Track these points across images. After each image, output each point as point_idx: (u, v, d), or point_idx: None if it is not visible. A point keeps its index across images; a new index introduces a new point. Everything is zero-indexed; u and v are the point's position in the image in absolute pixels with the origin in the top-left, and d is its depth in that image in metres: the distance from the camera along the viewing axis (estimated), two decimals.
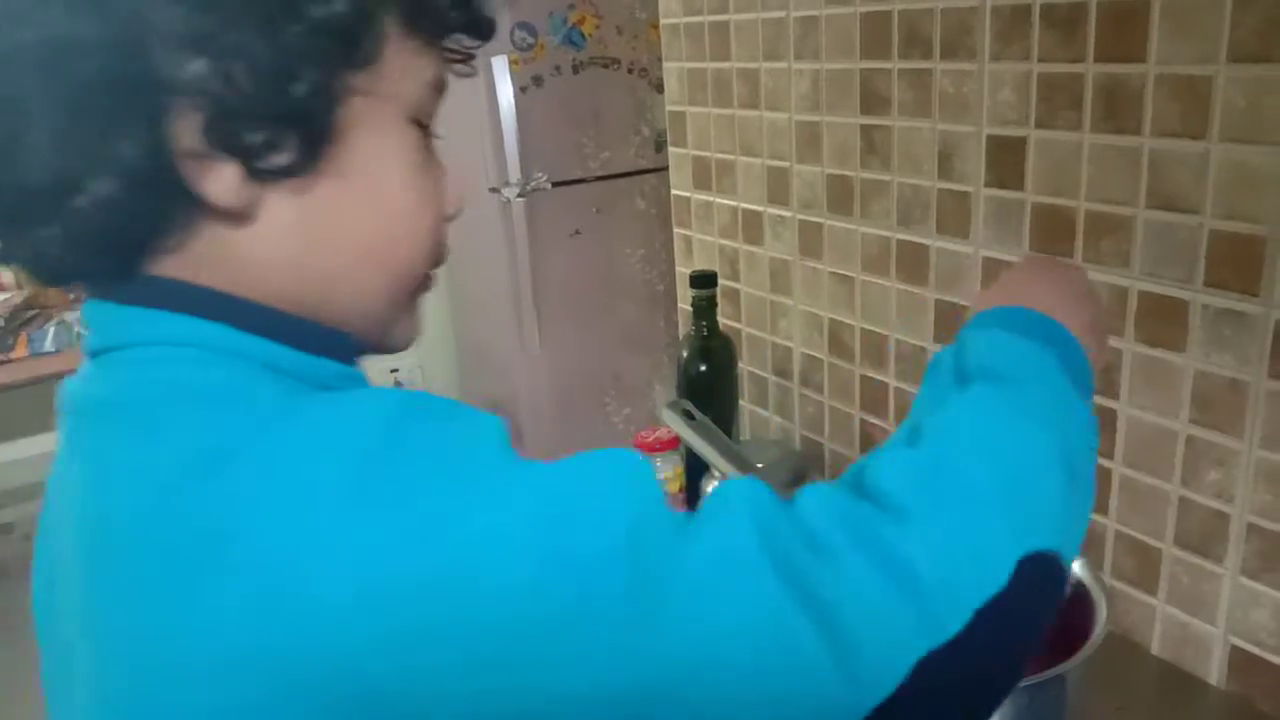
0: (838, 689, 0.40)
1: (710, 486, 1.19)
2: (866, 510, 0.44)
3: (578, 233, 2.98)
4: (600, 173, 2.96)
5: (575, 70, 2.87)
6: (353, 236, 0.48)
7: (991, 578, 0.43)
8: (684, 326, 1.47)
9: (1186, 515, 0.89)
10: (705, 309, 1.25)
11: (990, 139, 0.99)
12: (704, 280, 1.25)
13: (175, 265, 0.46)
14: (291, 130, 0.45)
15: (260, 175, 0.45)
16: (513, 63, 2.75)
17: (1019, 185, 0.97)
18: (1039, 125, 0.94)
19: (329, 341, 0.49)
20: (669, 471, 1.26)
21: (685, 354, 1.27)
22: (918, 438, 0.49)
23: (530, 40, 2.79)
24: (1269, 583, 0.84)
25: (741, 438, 1.39)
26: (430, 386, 3.65)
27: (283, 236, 0.47)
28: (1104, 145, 0.89)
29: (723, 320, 1.34)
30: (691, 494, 1.26)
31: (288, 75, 0.43)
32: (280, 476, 0.39)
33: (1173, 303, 0.86)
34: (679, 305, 1.57)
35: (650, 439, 1.26)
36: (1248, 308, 0.81)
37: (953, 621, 0.42)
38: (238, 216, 0.45)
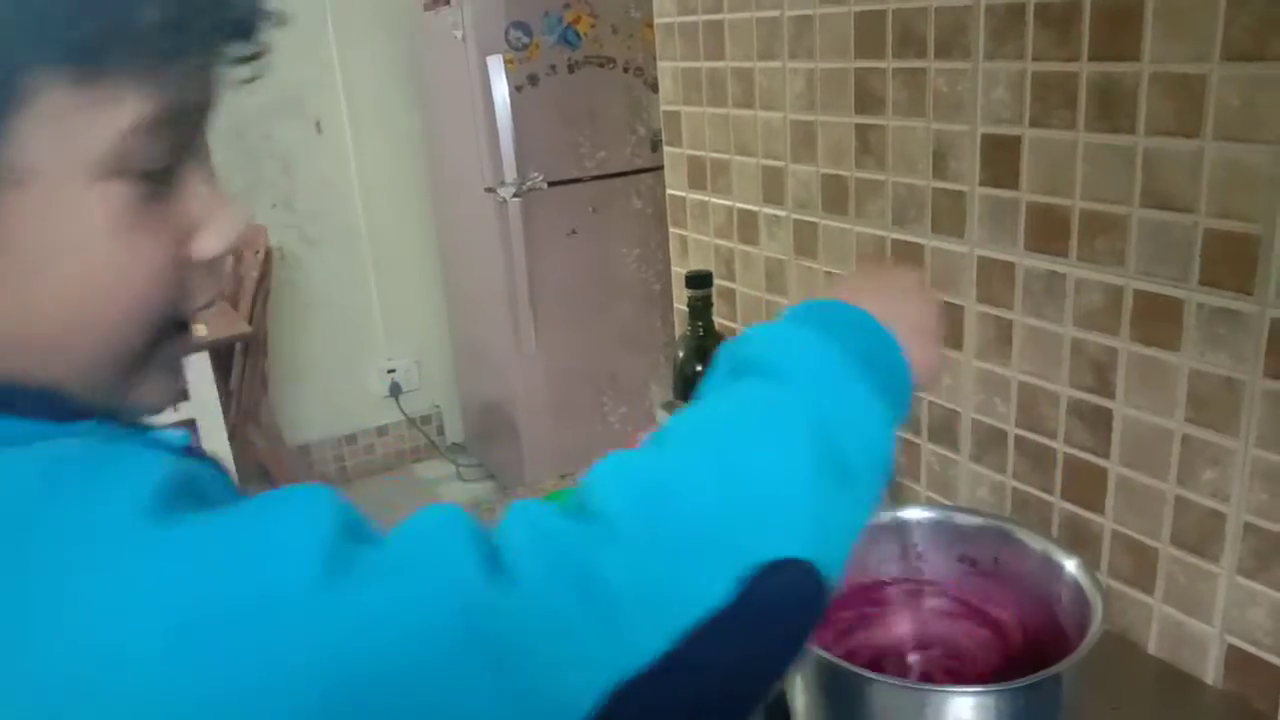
0: (517, 714, 0.37)
1: None
2: (562, 524, 0.41)
3: (574, 232, 2.98)
4: (596, 172, 2.96)
5: (571, 70, 2.87)
6: (19, 328, 0.41)
7: (704, 595, 0.40)
8: (680, 327, 1.47)
9: (1183, 514, 0.89)
10: (701, 309, 1.25)
11: (985, 138, 0.99)
12: (699, 280, 1.24)
13: None
14: None
15: None
16: (508, 62, 2.75)
17: (1014, 184, 0.97)
18: (1033, 124, 0.94)
19: (30, 403, 0.42)
20: None
21: (681, 354, 1.27)
22: (659, 440, 0.47)
23: (525, 40, 2.79)
24: (1265, 582, 0.84)
25: None
26: (427, 387, 3.65)
27: None
28: (1098, 144, 0.89)
29: (719, 320, 1.34)
30: None
31: None
32: None
33: (1168, 301, 0.86)
34: (675, 305, 1.57)
35: (646, 440, 1.26)
36: (1243, 306, 0.81)
37: (650, 642, 0.39)
38: None
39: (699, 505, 0.43)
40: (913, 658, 0.83)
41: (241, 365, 2.78)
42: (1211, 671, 0.90)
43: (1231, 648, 0.88)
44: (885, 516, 0.84)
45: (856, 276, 0.64)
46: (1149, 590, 0.93)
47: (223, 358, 2.74)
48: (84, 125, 0.40)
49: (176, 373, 0.49)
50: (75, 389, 0.44)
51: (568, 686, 0.37)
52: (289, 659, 0.35)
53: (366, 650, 0.35)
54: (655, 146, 2.99)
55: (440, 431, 3.75)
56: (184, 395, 2.52)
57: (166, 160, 0.43)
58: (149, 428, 0.49)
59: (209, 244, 0.46)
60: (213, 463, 0.52)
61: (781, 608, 0.43)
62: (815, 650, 0.69)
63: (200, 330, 2.53)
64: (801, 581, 0.44)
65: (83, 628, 0.34)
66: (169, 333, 0.46)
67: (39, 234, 0.40)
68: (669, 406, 1.00)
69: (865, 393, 0.51)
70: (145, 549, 0.35)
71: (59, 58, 0.39)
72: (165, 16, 0.40)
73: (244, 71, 0.46)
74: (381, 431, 3.63)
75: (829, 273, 1.23)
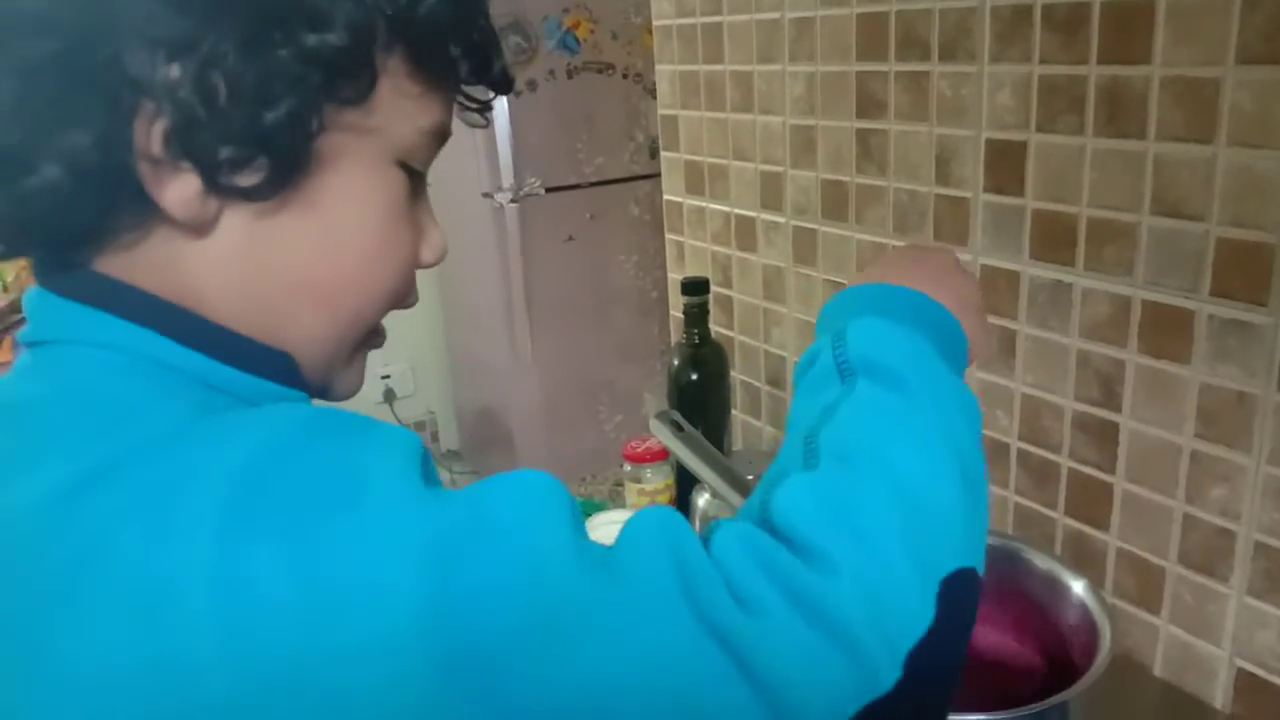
0: None
1: (702, 499, 1.16)
2: (787, 558, 0.41)
3: (571, 239, 2.96)
4: (594, 178, 2.94)
5: (569, 75, 2.84)
6: (302, 271, 0.47)
7: (919, 617, 0.41)
8: (675, 334, 1.44)
9: (1191, 532, 0.86)
10: (697, 316, 1.22)
11: (989, 143, 0.97)
12: (695, 287, 1.22)
13: (122, 264, 0.44)
14: (261, 154, 0.43)
15: (220, 192, 0.43)
16: None
17: (1019, 191, 0.95)
18: (1039, 129, 0.91)
19: (268, 362, 0.47)
20: (659, 483, 1.23)
21: (676, 362, 1.24)
22: (814, 455, 0.46)
23: (524, 45, 2.77)
24: (1276, 603, 0.81)
25: (734, 448, 1.36)
26: (422, 393, 3.62)
27: (232, 257, 0.45)
28: (1107, 150, 0.86)
29: (715, 328, 1.31)
30: (682, 505, 1.23)
31: (265, 99, 0.42)
32: (149, 501, 0.37)
33: (1177, 313, 0.83)
34: (671, 312, 1.54)
35: (640, 449, 1.23)
36: (1255, 318, 0.78)
37: (890, 672, 0.40)
38: (190, 228, 0.44)
39: (893, 529, 0.43)
40: None
41: None
42: (1220, 695, 0.87)
43: (1241, 671, 0.85)
44: None
45: (897, 258, 0.63)
46: (1155, 611, 0.91)
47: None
48: (408, 113, 0.47)
49: (362, 372, 0.54)
50: (307, 357, 0.48)
51: (821, 715, 0.39)
52: (558, 624, 0.37)
53: (630, 657, 0.37)
54: (654, 153, 2.97)
55: (435, 439, 3.72)
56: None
57: (426, 168, 0.51)
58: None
59: (429, 253, 0.53)
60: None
61: (966, 614, 0.44)
62: None
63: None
64: (970, 588, 0.45)
65: (349, 563, 0.36)
66: (375, 332, 0.52)
67: (354, 190, 0.46)
68: (662, 416, 0.97)
69: (959, 389, 0.51)
70: (418, 505, 0.38)
71: (417, 50, 0.47)
72: (473, 51, 0.49)
73: (479, 119, 0.55)
74: None
75: (828, 281, 1.20)
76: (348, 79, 0.44)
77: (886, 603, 0.41)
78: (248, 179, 0.43)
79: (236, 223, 0.44)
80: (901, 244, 0.89)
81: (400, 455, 0.40)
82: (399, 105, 0.47)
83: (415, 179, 0.50)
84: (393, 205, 0.49)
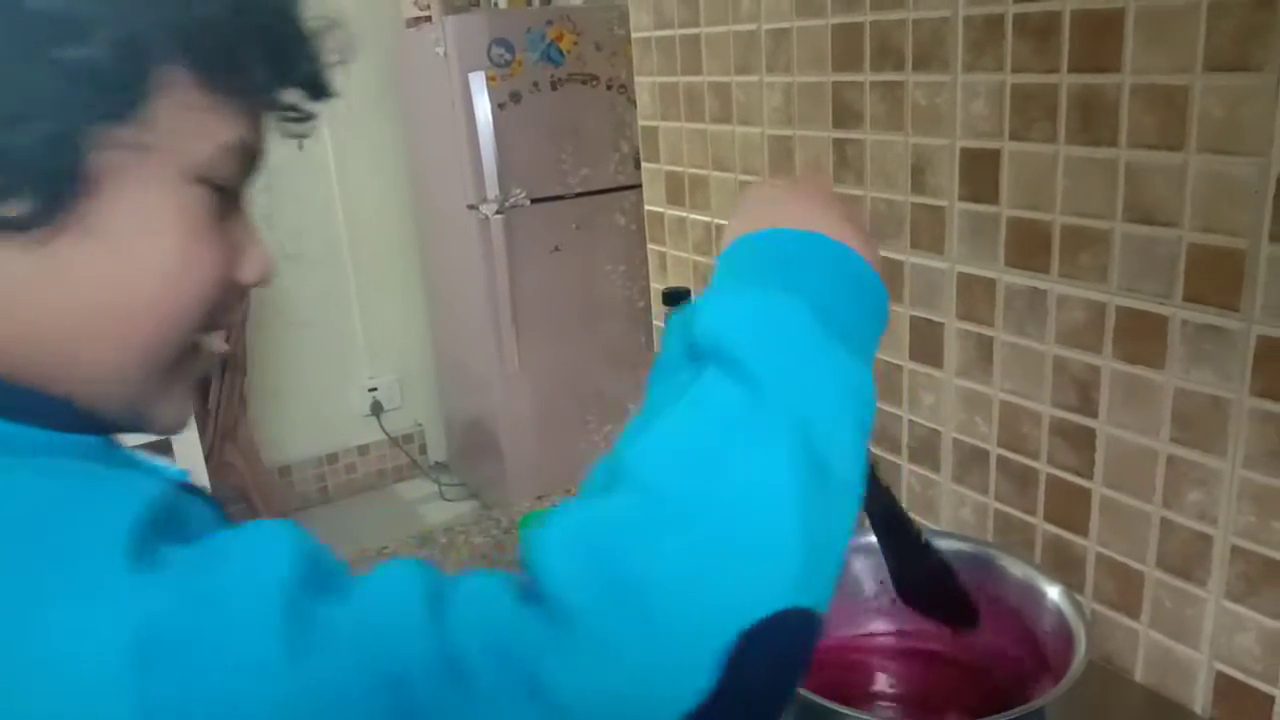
0: None
1: None
2: (521, 631, 0.36)
3: (557, 249, 2.96)
4: (579, 189, 2.94)
5: (554, 86, 2.85)
6: (85, 303, 0.43)
7: (687, 686, 0.36)
8: (658, 344, 1.44)
9: (1168, 537, 0.87)
10: None
11: (964, 151, 0.97)
12: (676, 297, 1.21)
13: None
14: (25, 180, 0.39)
15: None
16: (490, 79, 2.73)
17: (993, 199, 0.95)
18: (1013, 137, 0.92)
19: (48, 410, 0.43)
20: None
21: None
22: (615, 476, 0.41)
23: (508, 57, 2.77)
24: (1254, 606, 0.81)
25: None
26: (409, 405, 3.61)
27: (12, 292, 0.42)
28: (1080, 157, 0.87)
29: None
30: None
31: (20, 121, 0.39)
32: None
33: (1151, 318, 0.84)
34: (654, 322, 1.54)
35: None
36: (1227, 323, 0.79)
37: None
38: None
39: (672, 579, 0.37)
40: (891, 689, 0.80)
41: (219, 384, 2.74)
42: (1199, 699, 0.87)
43: (1220, 675, 0.85)
44: (860, 541, 0.81)
45: (772, 195, 0.56)
46: (1135, 615, 0.91)
47: (200, 377, 2.70)
48: (200, 127, 0.45)
49: (189, 393, 0.51)
50: (98, 399, 0.45)
51: None
52: (242, 712, 0.34)
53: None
54: (639, 163, 2.98)
55: (423, 450, 3.71)
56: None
57: (239, 181, 0.48)
58: (146, 460, 0.50)
59: (249, 271, 0.50)
60: (204, 498, 0.52)
61: (772, 670, 0.38)
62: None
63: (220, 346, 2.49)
64: (793, 631, 0.38)
65: (47, 654, 0.33)
66: (191, 350, 0.49)
67: (140, 211, 0.43)
68: None
69: (843, 359, 0.45)
70: (118, 588, 0.35)
71: (200, 59, 0.43)
72: (272, 56, 0.47)
73: (300, 129, 0.52)
74: (363, 451, 3.58)
75: None
76: (115, 95, 0.41)
77: (640, 669, 0.36)
78: (11, 209, 0.39)
79: (7, 257, 0.41)
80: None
81: (113, 522, 0.36)
82: (187, 119, 0.44)
83: (225, 196, 0.47)
84: (190, 226, 0.45)
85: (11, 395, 0.42)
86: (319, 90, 0.50)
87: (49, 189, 0.40)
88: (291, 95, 0.49)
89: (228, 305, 0.50)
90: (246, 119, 0.47)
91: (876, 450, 1.16)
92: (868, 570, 0.82)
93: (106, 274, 0.43)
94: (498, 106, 2.76)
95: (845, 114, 1.10)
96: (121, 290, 0.44)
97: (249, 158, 0.48)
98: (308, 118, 0.51)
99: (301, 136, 0.52)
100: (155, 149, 0.43)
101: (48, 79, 0.39)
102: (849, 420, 0.44)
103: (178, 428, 0.50)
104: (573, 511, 0.40)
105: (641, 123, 1.47)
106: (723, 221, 1.33)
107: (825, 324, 0.45)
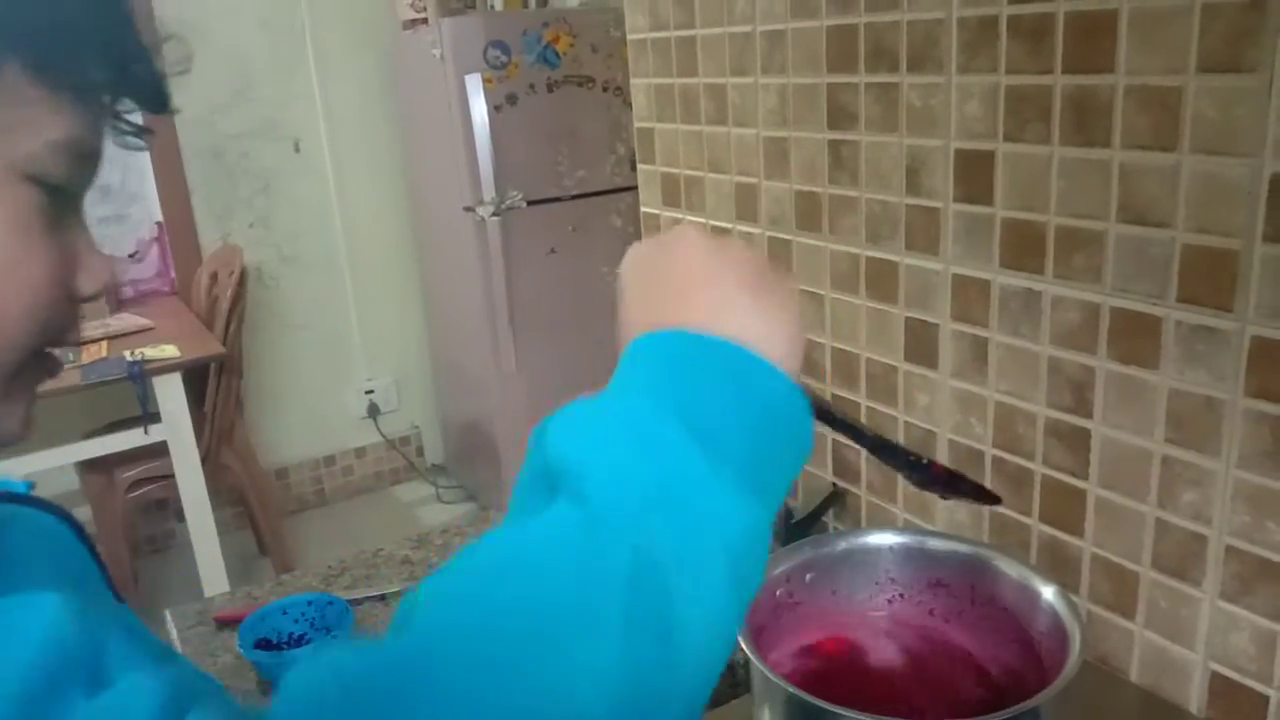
0: None
1: None
2: None
3: (553, 251, 2.96)
4: (576, 191, 2.95)
5: (550, 89, 2.85)
6: None
7: None
8: None
9: (1163, 537, 0.87)
10: None
11: (958, 153, 0.97)
12: None
13: None
14: None
15: None
16: (486, 81, 2.73)
17: (988, 200, 0.95)
18: (1007, 138, 0.92)
19: None
20: None
21: None
22: (405, 615, 0.38)
23: (504, 59, 2.78)
24: (1248, 606, 0.81)
25: None
26: (406, 407, 3.61)
27: None
28: (1073, 158, 0.87)
29: None
30: None
31: None
32: None
33: (1145, 319, 0.84)
34: None
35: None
36: (1221, 323, 0.79)
37: None
38: None
39: None
40: (885, 688, 0.80)
41: (215, 387, 2.73)
42: (1195, 699, 0.87)
43: (1215, 674, 0.85)
44: (856, 542, 0.81)
45: (686, 269, 0.47)
46: (1130, 616, 0.91)
47: (196, 380, 2.70)
48: (26, 121, 0.43)
49: (30, 404, 0.48)
50: None
51: None
52: None
53: None
54: (635, 165, 2.98)
55: (420, 453, 3.71)
56: (155, 418, 2.48)
57: (73, 185, 0.46)
58: None
59: (86, 282, 0.48)
60: (56, 516, 0.52)
61: None
62: (784, 685, 0.66)
63: (172, 351, 2.49)
64: None
65: None
66: (34, 361, 0.47)
67: None
68: None
69: (719, 492, 0.39)
70: None
71: (26, 53, 0.42)
72: (110, 59, 0.45)
73: (134, 142, 0.49)
74: (360, 453, 3.58)
75: (802, 291, 1.21)
76: None
77: None
78: None
79: None
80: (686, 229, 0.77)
81: None
82: (13, 115, 0.42)
83: (57, 198, 0.45)
84: (14, 226, 0.43)
85: None
86: (157, 100, 0.48)
87: None
88: (128, 104, 0.48)
89: (65, 316, 0.47)
90: (81, 119, 0.45)
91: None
92: (865, 567, 0.82)
93: None
94: (494, 108, 2.76)
95: (840, 115, 1.10)
96: None
97: (84, 159, 0.46)
98: (143, 131, 0.49)
99: (137, 149, 0.50)
100: None
101: None
102: (716, 565, 0.38)
103: (15, 440, 0.47)
104: (341, 654, 0.38)
105: (637, 124, 1.47)
106: (717, 222, 1.33)
107: (708, 451, 0.39)
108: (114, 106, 0.47)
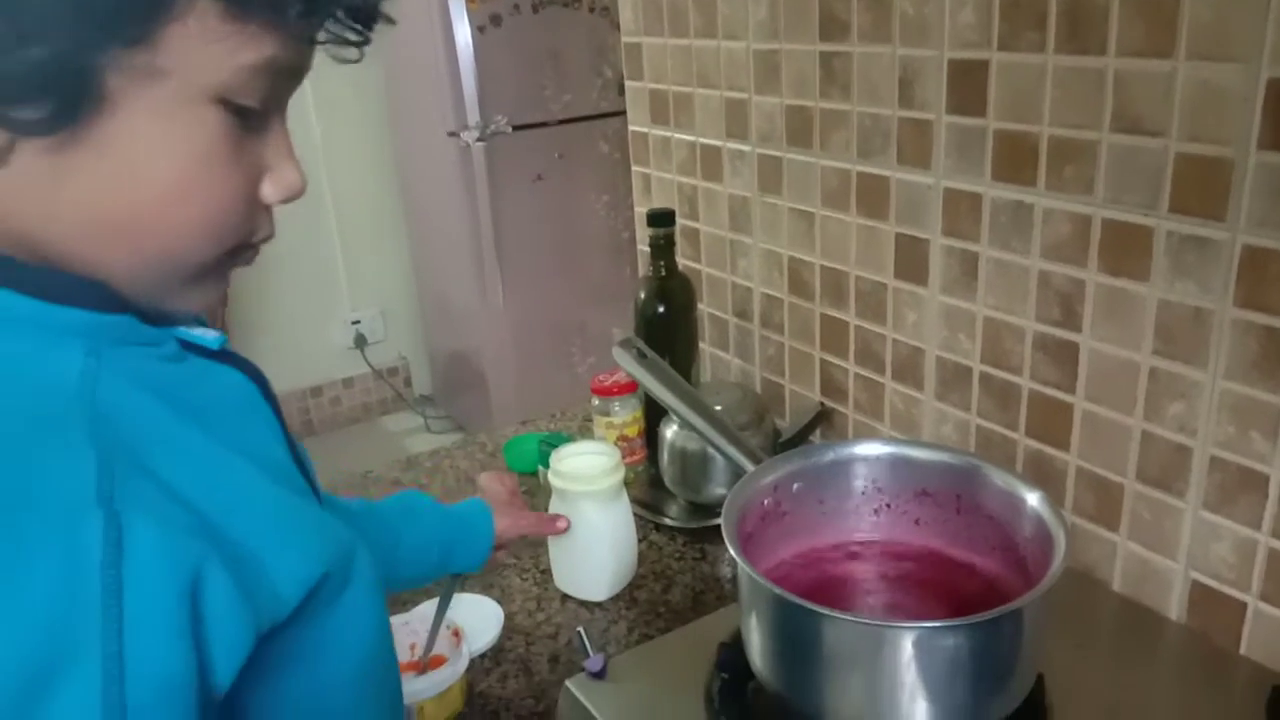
0: None
1: (669, 431, 1.16)
2: None
3: (540, 178, 2.93)
4: (562, 116, 2.90)
5: (535, 10, 2.79)
6: (92, 209, 0.46)
7: None
8: (643, 267, 1.43)
9: (1148, 449, 0.87)
10: (663, 248, 1.21)
11: (951, 63, 0.95)
12: (660, 218, 1.21)
13: None
14: (37, 91, 0.43)
15: (7, 123, 0.44)
16: (469, 2, 2.67)
17: (980, 112, 0.94)
18: (1001, 47, 0.90)
19: (77, 289, 0.48)
20: (628, 415, 1.23)
21: (642, 295, 1.24)
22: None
23: None
24: (1229, 515, 0.82)
25: (702, 380, 1.36)
26: (393, 338, 3.60)
27: (28, 187, 0.46)
28: (1067, 67, 0.85)
29: (682, 261, 1.30)
30: (650, 438, 1.23)
31: (33, 37, 0.42)
32: None
33: (1136, 230, 0.84)
34: (638, 247, 1.53)
35: (609, 382, 1.23)
36: (1212, 233, 0.78)
37: None
38: None
39: None
40: (871, 595, 0.82)
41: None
42: (1175, 607, 0.88)
43: (1195, 583, 0.87)
44: (842, 452, 0.81)
45: None
46: (1113, 527, 0.92)
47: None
48: (219, 52, 0.45)
49: (225, 285, 0.53)
50: (125, 285, 0.49)
51: None
52: None
53: None
54: (622, 90, 2.93)
55: (408, 383, 3.71)
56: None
57: (263, 104, 0.49)
58: (187, 329, 0.54)
59: (271, 190, 0.51)
60: (244, 374, 0.57)
61: None
62: (771, 587, 0.67)
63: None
64: None
65: None
66: (227, 256, 0.51)
67: (151, 132, 0.45)
68: (625, 344, 0.97)
69: None
70: None
71: None
72: None
73: (350, 54, 0.52)
74: (348, 384, 3.58)
75: (793, 210, 1.20)
76: (124, 22, 0.43)
77: None
78: (27, 114, 0.43)
79: (31, 155, 0.45)
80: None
81: None
82: (206, 44, 0.45)
83: (249, 116, 0.48)
84: (203, 147, 0.47)
85: (49, 279, 0.47)
86: (365, 17, 0.50)
87: (59, 101, 0.43)
88: (334, 23, 0.50)
89: (253, 221, 0.51)
90: (278, 38, 0.47)
91: (862, 370, 1.17)
92: (852, 478, 0.82)
93: (112, 189, 0.46)
94: (477, 30, 2.70)
95: (832, 25, 1.07)
96: (125, 206, 0.46)
97: (282, 75, 0.49)
98: (358, 42, 0.51)
99: (350, 62, 0.52)
100: (169, 74, 0.45)
101: (59, 5, 0.42)
102: None
103: (198, 312, 0.54)
104: None
105: (624, 39, 1.44)
106: (706, 140, 1.32)
107: None
108: (311, 25, 0.48)
